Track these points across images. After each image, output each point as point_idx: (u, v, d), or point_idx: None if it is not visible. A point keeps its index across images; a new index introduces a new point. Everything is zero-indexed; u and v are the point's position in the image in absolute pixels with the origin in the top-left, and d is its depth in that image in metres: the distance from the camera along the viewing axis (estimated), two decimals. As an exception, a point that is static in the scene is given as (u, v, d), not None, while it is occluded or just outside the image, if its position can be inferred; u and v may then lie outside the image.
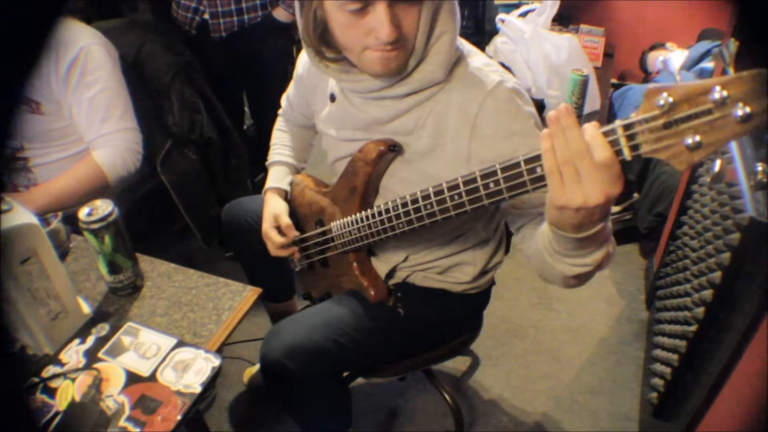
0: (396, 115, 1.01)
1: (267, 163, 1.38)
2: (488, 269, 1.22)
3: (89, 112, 1.39)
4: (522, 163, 0.73)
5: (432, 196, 0.89)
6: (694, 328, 1.37)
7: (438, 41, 0.93)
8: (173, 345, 0.93)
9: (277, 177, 1.34)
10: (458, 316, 1.30)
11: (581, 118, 2.23)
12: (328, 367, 1.13)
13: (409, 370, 1.33)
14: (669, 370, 1.48)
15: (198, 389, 0.86)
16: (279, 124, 1.43)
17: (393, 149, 1.03)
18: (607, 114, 2.37)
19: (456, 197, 0.85)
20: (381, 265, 1.20)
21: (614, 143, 0.63)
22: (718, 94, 0.56)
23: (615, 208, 2.24)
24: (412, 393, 1.76)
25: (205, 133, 1.69)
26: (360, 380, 1.35)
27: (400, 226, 0.98)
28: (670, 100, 0.58)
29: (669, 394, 1.48)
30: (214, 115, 1.74)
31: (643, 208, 2.11)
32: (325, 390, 1.16)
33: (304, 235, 1.25)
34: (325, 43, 0.96)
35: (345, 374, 1.30)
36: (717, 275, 1.28)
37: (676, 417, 1.44)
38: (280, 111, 1.42)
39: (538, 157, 0.71)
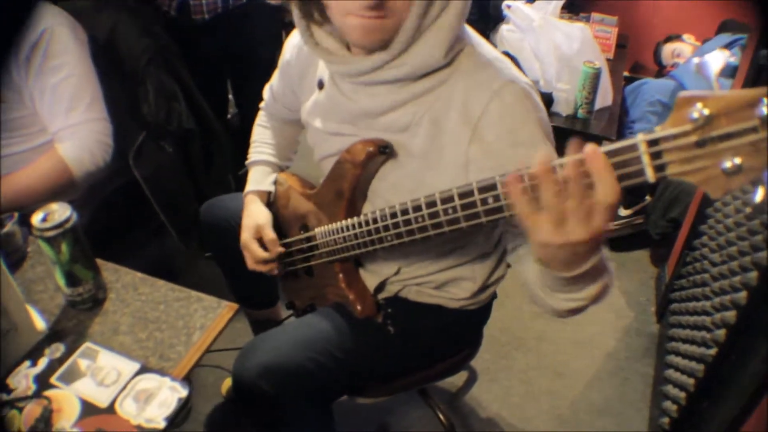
0: (389, 108, 0.92)
1: (247, 162, 1.31)
2: (489, 284, 1.14)
3: (53, 100, 1.31)
4: (526, 178, 0.65)
5: (423, 207, 0.82)
6: (713, 351, 1.31)
7: (440, 16, 0.84)
8: (136, 371, 0.87)
9: (258, 178, 1.26)
10: (455, 333, 1.22)
11: (592, 114, 2.13)
12: (308, 388, 1.06)
13: (400, 391, 1.26)
14: (683, 394, 1.42)
15: (161, 424, 0.80)
16: (261, 119, 1.35)
17: (384, 151, 0.94)
18: (620, 110, 2.27)
19: (450, 211, 0.78)
20: (370, 277, 1.12)
21: (636, 161, 0.54)
22: (766, 108, 0.47)
23: (625, 212, 2.15)
24: (403, 410, 1.70)
25: (183, 123, 1.60)
26: (346, 396, 1.28)
27: (389, 238, 0.91)
28: (706, 112, 0.50)
29: (683, 420, 1.41)
30: (194, 104, 1.66)
31: (656, 212, 2.05)
32: (306, 413, 1.08)
33: (287, 240, 1.18)
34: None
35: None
36: (742, 295, 1.23)
37: (690, 447, 1.38)
38: (262, 104, 1.34)
39: None
